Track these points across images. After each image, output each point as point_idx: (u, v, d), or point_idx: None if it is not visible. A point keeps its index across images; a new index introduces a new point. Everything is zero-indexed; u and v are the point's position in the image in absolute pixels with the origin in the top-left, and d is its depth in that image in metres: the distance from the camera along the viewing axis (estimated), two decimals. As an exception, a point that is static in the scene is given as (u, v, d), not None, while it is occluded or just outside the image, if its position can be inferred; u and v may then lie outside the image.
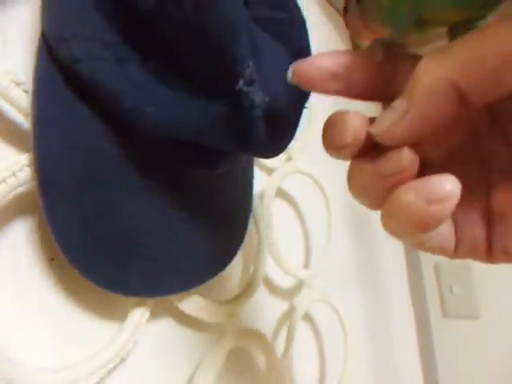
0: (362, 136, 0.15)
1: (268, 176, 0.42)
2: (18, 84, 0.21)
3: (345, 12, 0.22)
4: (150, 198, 0.24)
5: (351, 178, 0.16)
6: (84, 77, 0.21)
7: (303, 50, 0.24)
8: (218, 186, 0.28)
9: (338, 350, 0.47)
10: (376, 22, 0.19)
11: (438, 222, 0.13)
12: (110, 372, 0.25)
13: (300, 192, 0.47)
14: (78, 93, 0.22)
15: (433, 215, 0.13)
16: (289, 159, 0.44)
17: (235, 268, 0.38)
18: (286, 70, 0.18)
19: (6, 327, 0.22)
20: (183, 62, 0.21)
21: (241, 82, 0.20)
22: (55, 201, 0.21)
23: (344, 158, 0.16)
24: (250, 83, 0.20)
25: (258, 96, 0.20)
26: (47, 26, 0.22)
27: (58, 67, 0.21)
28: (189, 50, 0.21)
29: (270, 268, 0.40)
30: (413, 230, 0.14)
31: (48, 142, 0.21)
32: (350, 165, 0.16)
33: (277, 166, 0.42)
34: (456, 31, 0.17)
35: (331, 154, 0.16)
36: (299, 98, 0.23)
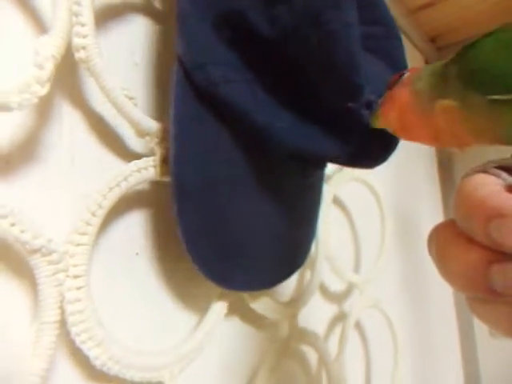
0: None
1: (325, 183, 0.44)
2: (130, 99, 0.24)
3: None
4: (258, 205, 0.27)
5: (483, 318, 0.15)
6: (220, 97, 0.24)
7: (400, 63, 0.26)
8: (305, 193, 0.31)
9: (384, 357, 0.48)
10: None
11: None
12: (191, 361, 0.27)
13: (355, 199, 0.48)
14: (212, 110, 0.25)
15: None
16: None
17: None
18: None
19: (103, 312, 0.25)
20: (305, 88, 0.24)
21: (359, 108, 0.22)
22: (186, 206, 0.24)
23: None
24: (367, 106, 0.22)
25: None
26: (182, 52, 0.24)
27: (194, 88, 0.24)
28: (310, 78, 0.23)
29: (325, 272, 0.41)
30: None
31: (183, 153, 0.24)
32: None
33: (333, 173, 0.44)
34: None
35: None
36: None
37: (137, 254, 0.27)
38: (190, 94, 0.24)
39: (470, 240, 0.14)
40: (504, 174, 0.15)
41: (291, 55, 0.23)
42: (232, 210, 0.26)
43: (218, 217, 0.25)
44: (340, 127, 0.24)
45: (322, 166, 0.30)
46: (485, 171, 0.15)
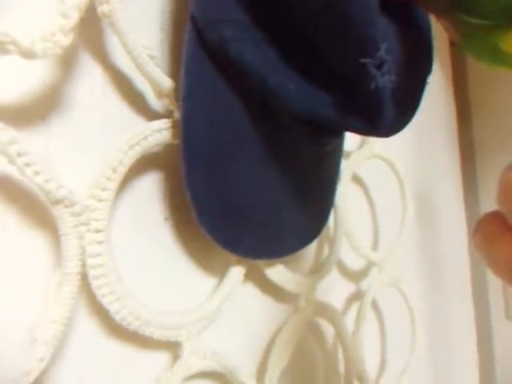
0: None
1: (345, 159, 0.43)
2: (152, 58, 0.24)
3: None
4: (268, 171, 0.27)
5: None
6: (231, 56, 0.23)
7: (424, 25, 0.25)
8: (321, 163, 0.30)
9: (401, 335, 0.47)
10: None
11: None
12: (209, 324, 0.27)
13: (374, 176, 0.47)
14: (223, 71, 0.24)
15: None
16: (365, 143, 0.44)
17: (311, 244, 0.39)
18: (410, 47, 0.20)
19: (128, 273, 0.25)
20: (317, 46, 0.23)
21: (371, 66, 0.21)
22: (194, 168, 0.24)
23: None
24: (379, 66, 0.21)
25: (387, 78, 0.21)
26: (195, 10, 0.24)
27: (206, 47, 0.24)
28: (324, 34, 0.23)
29: (343, 248, 0.41)
30: None
31: (194, 115, 0.24)
32: None
33: (353, 149, 0.43)
34: None
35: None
36: (422, 72, 0.24)
37: (165, 218, 0.27)
38: (202, 54, 0.24)
39: None
40: None
41: (304, 13, 0.23)
42: (239, 175, 0.26)
43: (225, 181, 0.25)
44: (347, 90, 0.23)
45: (338, 134, 0.28)
46: None
